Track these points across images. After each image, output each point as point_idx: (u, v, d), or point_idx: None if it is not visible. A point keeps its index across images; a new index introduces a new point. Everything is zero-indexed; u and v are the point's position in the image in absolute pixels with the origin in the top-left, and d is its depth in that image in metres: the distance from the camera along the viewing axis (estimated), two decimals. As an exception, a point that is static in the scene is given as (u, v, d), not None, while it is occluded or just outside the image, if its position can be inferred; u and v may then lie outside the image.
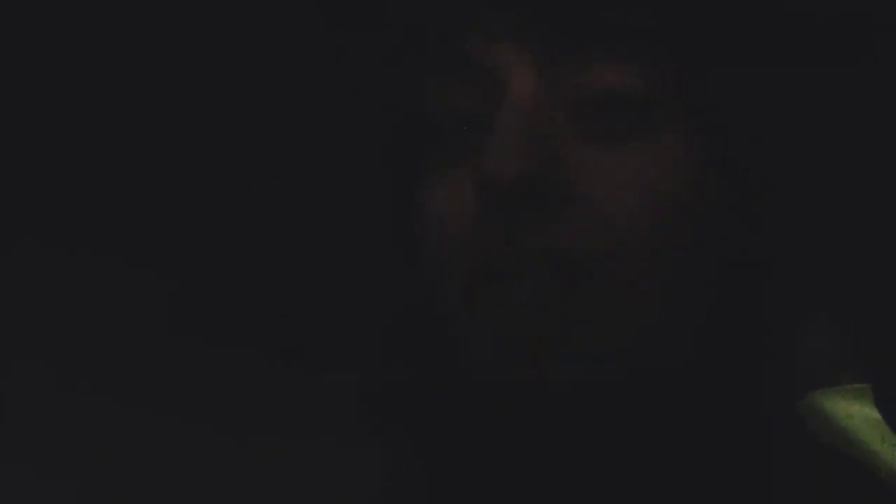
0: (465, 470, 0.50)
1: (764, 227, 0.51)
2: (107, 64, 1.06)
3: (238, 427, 1.12)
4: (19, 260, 1.10)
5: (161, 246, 1.11)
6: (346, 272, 0.61)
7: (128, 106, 1.08)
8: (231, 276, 1.12)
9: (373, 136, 0.55)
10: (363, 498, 0.55)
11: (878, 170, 0.52)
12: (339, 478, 0.97)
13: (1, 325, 1.09)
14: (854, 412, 0.48)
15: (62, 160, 1.10)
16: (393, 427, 0.55)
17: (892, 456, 0.48)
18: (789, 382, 0.50)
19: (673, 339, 0.47)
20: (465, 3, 0.48)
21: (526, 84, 0.47)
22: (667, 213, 0.47)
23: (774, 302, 0.51)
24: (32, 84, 1.07)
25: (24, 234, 1.10)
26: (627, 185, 0.47)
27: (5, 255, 1.09)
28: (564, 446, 0.47)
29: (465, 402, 0.49)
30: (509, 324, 0.46)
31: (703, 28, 0.48)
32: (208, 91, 1.05)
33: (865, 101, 0.52)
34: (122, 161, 1.10)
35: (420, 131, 0.50)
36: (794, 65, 0.50)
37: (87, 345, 1.11)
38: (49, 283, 1.12)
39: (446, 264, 0.48)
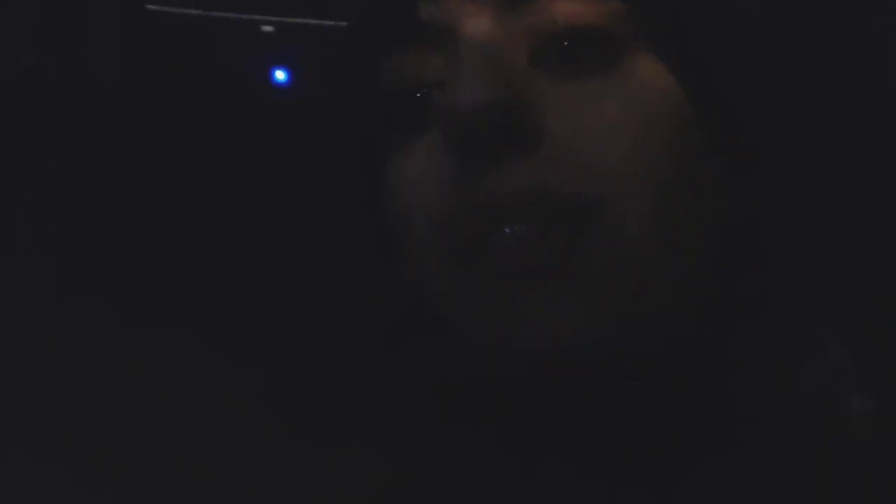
0: (465, 466, 0.50)
1: (752, 171, 0.50)
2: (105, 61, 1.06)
3: (238, 426, 1.12)
4: (19, 259, 1.10)
5: (161, 245, 1.11)
6: (341, 271, 0.61)
7: (127, 106, 1.08)
8: (231, 276, 1.12)
9: (347, 127, 0.54)
10: (363, 498, 0.55)
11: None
12: (338, 477, 0.97)
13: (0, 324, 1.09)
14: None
15: (61, 160, 1.10)
16: (394, 426, 0.55)
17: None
18: (790, 370, 0.49)
19: (670, 291, 0.46)
20: None
21: (481, 25, 0.47)
22: (644, 148, 0.46)
23: (775, 249, 0.49)
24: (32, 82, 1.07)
25: (23, 234, 1.10)
26: (595, 118, 0.46)
27: (5, 255, 1.09)
28: (563, 431, 0.46)
29: (464, 397, 0.49)
30: (503, 279, 0.44)
31: None
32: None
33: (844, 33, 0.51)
34: (122, 160, 1.10)
35: (387, 114, 0.49)
36: None
37: (85, 345, 1.11)
38: (49, 282, 1.12)
39: (432, 230, 0.47)
